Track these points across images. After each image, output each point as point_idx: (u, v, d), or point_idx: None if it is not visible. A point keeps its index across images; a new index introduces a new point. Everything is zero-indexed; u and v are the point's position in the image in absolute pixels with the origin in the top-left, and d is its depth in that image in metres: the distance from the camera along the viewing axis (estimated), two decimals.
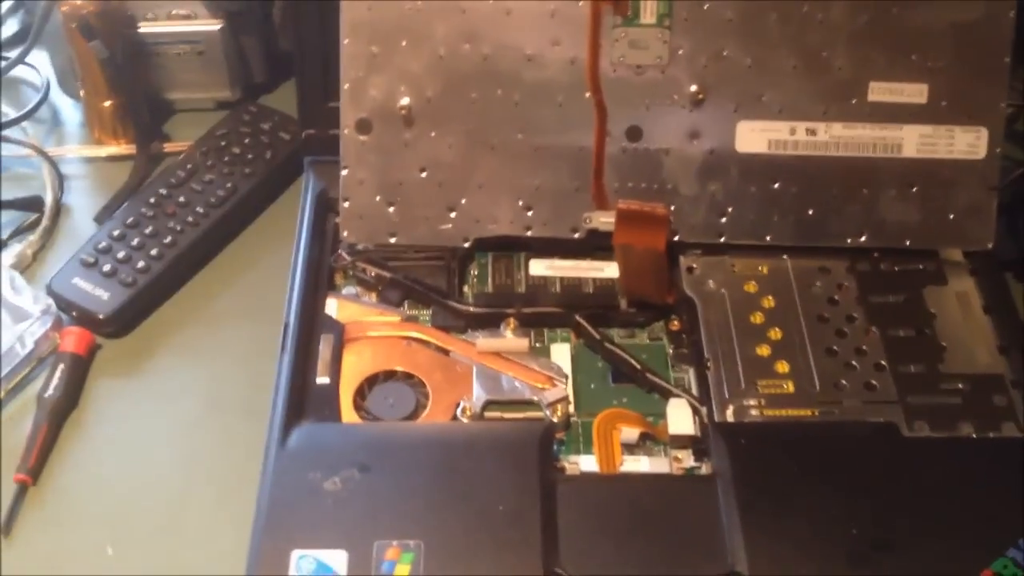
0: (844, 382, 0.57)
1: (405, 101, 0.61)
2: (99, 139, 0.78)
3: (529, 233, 0.63)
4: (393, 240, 0.63)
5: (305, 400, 0.56)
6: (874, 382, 0.57)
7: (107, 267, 0.67)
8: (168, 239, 0.69)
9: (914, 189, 0.61)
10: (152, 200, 0.71)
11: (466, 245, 0.63)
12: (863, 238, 0.62)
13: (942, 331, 0.59)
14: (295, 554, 0.49)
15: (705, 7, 0.59)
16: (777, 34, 0.59)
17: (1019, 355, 0.57)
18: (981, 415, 0.55)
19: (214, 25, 0.76)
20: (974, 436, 0.55)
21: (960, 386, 0.56)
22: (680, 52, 0.60)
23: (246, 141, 0.76)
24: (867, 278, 0.61)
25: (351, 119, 0.62)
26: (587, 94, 0.59)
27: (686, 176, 0.62)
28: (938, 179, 0.61)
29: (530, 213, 0.62)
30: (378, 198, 0.62)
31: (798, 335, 0.59)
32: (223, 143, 0.75)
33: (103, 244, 0.69)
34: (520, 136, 0.61)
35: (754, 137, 0.61)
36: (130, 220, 0.70)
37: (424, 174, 0.62)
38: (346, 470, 0.52)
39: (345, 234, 0.63)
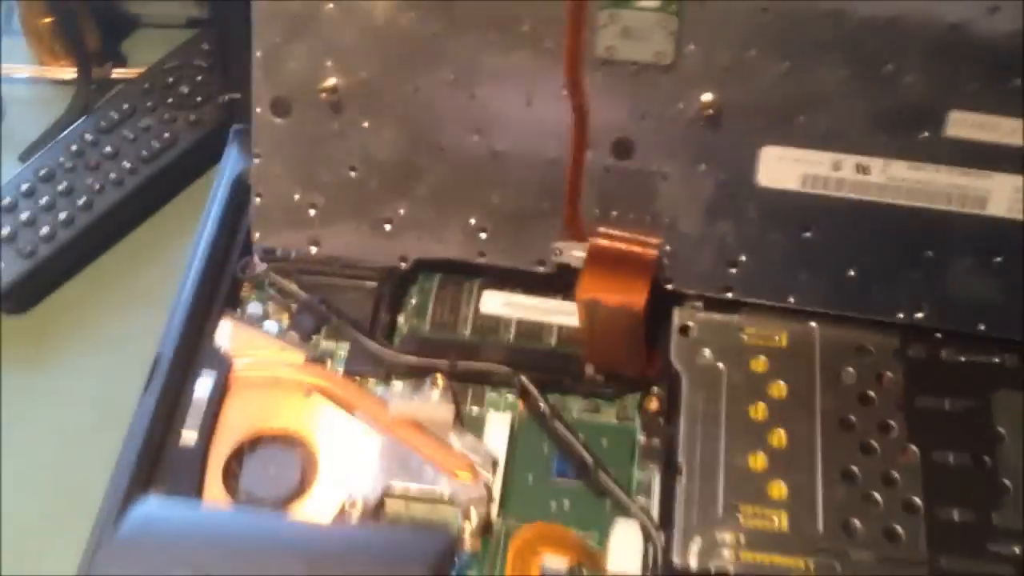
0: (858, 523, 0.42)
1: (332, 81, 0.47)
2: (41, 60, 0.67)
3: (482, 260, 0.49)
4: (315, 250, 0.50)
5: (162, 460, 0.45)
6: (899, 528, 0.42)
7: (6, 230, 0.57)
8: (83, 199, 0.58)
9: (998, 259, 0.45)
10: (74, 147, 0.60)
11: (403, 266, 0.50)
12: (920, 314, 0.46)
13: (1009, 462, 0.43)
14: None
15: None
16: (828, 33, 0.42)
17: None
18: None
19: None
20: None
21: (1018, 551, 0.42)
22: (691, 47, 0.43)
23: (199, 78, 0.63)
24: (919, 369, 0.46)
25: (266, 96, 0.48)
26: (564, 92, 0.45)
27: (689, 209, 0.46)
28: None
29: (484, 235, 0.48)
30: (297, 196, 0.49)
31: (808, 444, 0.44)
32: (170, 79, 0.63)
33: (7, 200, 0.58)
34: (476, 138, 0.47)
35: (783, 168, 0.45)
36: (44, 171, 0.59)
37: (354, 173, 0.49)
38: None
39: (257, 235, 0.50)
